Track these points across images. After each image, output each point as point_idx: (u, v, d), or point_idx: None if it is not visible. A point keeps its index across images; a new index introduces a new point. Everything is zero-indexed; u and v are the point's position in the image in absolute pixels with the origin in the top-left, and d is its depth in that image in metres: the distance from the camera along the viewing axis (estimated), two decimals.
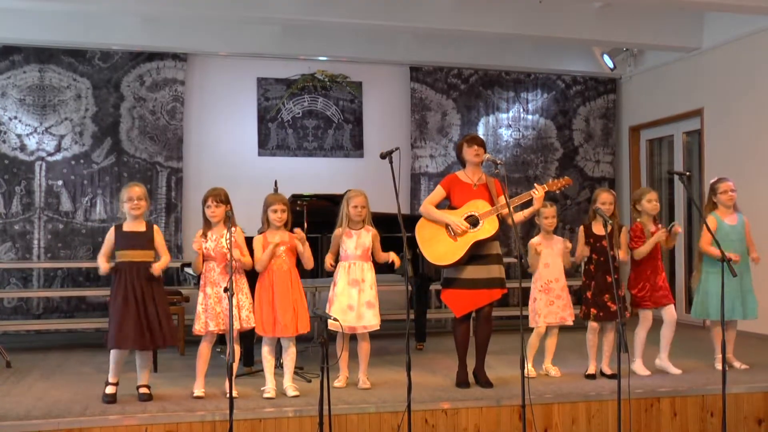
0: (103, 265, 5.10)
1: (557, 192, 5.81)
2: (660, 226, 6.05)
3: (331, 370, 4.40)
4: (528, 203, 5.55)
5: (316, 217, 6.40)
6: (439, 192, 5.64)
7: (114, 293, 5.11)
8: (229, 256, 4.81)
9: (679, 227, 5.90)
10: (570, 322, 5.93)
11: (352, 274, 5.46)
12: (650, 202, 5.97)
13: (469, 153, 5.60)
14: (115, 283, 5.12)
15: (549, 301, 5.87)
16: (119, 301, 5.04)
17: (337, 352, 5.46)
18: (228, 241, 4.89)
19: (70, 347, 7.49)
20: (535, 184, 5.54)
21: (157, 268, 5.13)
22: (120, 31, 8.50)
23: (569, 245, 6.00)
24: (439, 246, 5.45)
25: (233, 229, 5.15)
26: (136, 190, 5.16)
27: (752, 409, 5.51)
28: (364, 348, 5.57)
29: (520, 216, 5.54)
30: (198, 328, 5.21)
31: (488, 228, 5.42)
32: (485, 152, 5.57)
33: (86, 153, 8.63)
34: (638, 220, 6.02)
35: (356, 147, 9.48)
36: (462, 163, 5.74)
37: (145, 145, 8.81)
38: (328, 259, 5.51)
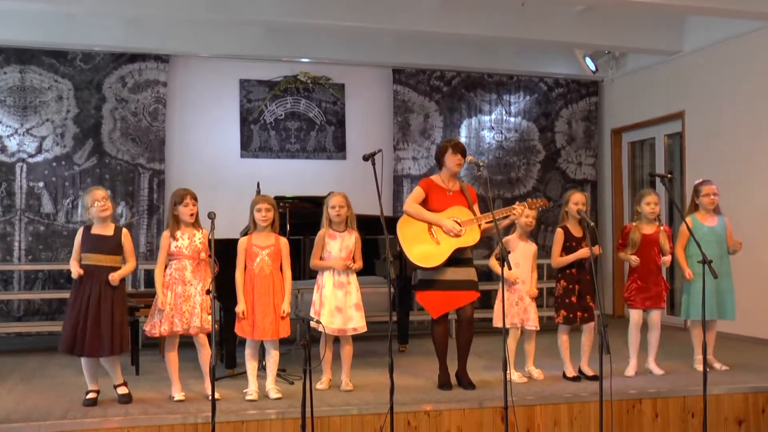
0: (75, 268, 5.00)
1: (534, 209, 5.82)
2: (662, 227, 6.09)
3: (313, 372, 4.39)
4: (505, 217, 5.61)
5: (299, 219, 6.39)
6: (419, 193, 5.62)
7: (73, 295, 5.03)
8: (212, 256, 4.77)
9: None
10: (526, 327, 5.85)
11: (338, 276, 5.46)
12: (648, 205, 6.02)
13: (452, 160, 5.60)
14: (76, 285, 5.04)
15: (514, 301, 5.82)
16: (76, 306, 4.97)
17: (320, 354, 5.45)
18: (210, 240, 4.82)
19: (51, 350, 7.35)
20: (517, 203, 5.59)
21: (115, 278, 5.00)
22: (102, 32, 8.45)
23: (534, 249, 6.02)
24: (423, 247, 5.45)
25: (201, 230, 5.21)
26: (100, 192, 5.09)
27: (732, 410, 5.56)
28: (347, 350, 5.57)
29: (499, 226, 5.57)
30: (161, 329, 5.13)
31: (473, 236, 5.47)
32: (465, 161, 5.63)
33: (68, 154, 8.57)
34: (636, 222, 6.08)
35: (339, 149, 9.48)
36: (440, 165, 5.74)
37: (127, 146, 8.76)
38: (314, 260, 5.51)
